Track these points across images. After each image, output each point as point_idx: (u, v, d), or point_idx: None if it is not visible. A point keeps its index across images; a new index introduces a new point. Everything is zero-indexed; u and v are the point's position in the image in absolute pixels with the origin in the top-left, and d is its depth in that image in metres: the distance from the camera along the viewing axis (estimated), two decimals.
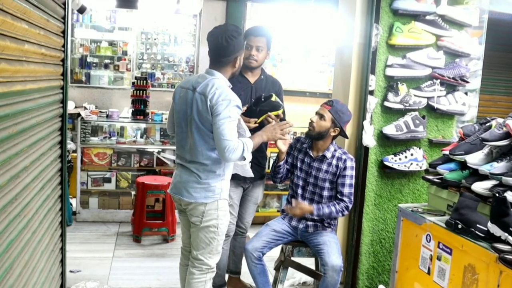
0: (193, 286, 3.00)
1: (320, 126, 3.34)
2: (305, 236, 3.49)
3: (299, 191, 3.50)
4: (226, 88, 2.84)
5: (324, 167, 3.41)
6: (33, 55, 2.49)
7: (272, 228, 3.51)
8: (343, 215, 3.40)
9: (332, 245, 3.33)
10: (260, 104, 3.36)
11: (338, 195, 3.40)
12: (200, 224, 2.92)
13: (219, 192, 2.91)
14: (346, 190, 3.38)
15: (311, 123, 3.37)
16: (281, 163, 3.48)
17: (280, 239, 3.51)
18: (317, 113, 3.38)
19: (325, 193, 3.43)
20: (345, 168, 3.37)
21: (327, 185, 3.41)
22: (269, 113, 3.33)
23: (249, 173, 3.24)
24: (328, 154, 3.40)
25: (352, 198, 3.41)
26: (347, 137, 3.55)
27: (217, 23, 6.59)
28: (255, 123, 3.33)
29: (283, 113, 3.47)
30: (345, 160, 3.39)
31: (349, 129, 3.65)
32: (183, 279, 3.23)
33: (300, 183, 3.50)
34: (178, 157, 3.03)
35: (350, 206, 3.40)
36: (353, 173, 3.42)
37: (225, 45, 2.85)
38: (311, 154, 3.45)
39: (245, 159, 2.83)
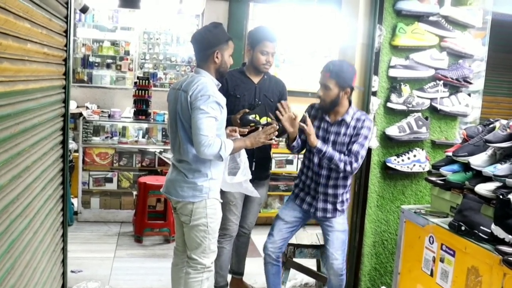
0: (189, 286, 3.01)
1: (328, 96, 3.18)
2: (317, 219, 3.40)
3: (315, 159, 3.30)
4: (209, 84, 2.85)
5: (343, 130, 3.23)
6: (35, 55, 2.48)
7: (284, 220, 3.41)
8: (345, 169, 3.15)
9: (336, 246, 3.30)
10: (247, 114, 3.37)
11: (347, 153, 3.19)
12: (189, 223, 2.93)
13: (207, 191, 2.91)
14: (354, 147, 3.16)
15: (319, 96, 3.23)
16: (294, 143, 3.34)
17: (295, 228, 3.44)
18: (320, 84, 3.23)
19: None
20: (361, 128, 3.19)
21: (346, 149, 3.21)
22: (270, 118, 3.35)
23: (254, 193, 3.25)
24: (348, 118, 3.22)
25: (359, 159, 3.17)
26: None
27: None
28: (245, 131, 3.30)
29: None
30: (363, 120, 3.20)
31: None
32: (174, 279, 3.26)
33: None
34: (172, 156, 3.08)
35: (355, 165, 3.16)
36: (368, 134, 3.21)
37: (199, 39, 2.92)
38: (328, 119, 3.29)
39: (222, 158, 2.81)
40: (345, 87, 3.17)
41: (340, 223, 3.33)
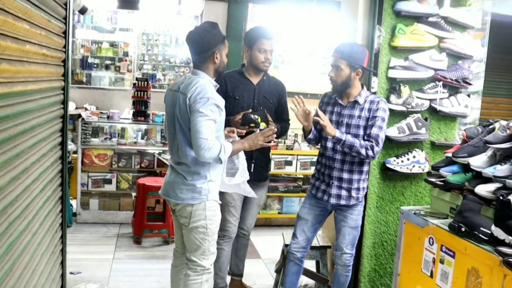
0: None
1: (340, 77, 3.19)
2: (332, 208, 3.37)
3: (329, 144, 3.28)
4: (207, 86, 2.83)
5: (357, 112, 3.21)
6: (34, 56, 2.48)
7: (305, 219, 3.40)
8: (367, 155, 3.12)
9: (347, 241, 3.32)
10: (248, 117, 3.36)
11: (365, 137, 3.17)
12: (188, 225, 2.92)
13: (205, 193, 2.90)
14: (373, 131, 3.14)
15: (331, 78, 3.23)
16: (310, 135, 3.34)
17: (317, 226, 3.43)
18: (332, 66, 3.23)
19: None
20: (377, 110, 3.17)
21: (361, 132, 3.19)
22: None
23: (251, 193, 3.23)
24: (361, 100, 3.21)
25: (380, 142, 3.15)
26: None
27: (219, 24, 6.60)
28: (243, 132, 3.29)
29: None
30: (378, 102, 3.19)
31: None
32: (173, 281, 3.26)
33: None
34: (170, 158, 3.07)
35: (377, 149, 3.14)
36: (385, 116, 3.19)
37: (198, 40, 2.88)
38: (341, 102, 3.27)
39: (221, 161, 2.81)
40: (356, 68, 3.17)
41: (354, 219, 3.31)
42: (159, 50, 9.62)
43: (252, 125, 3.31)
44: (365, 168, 3.31)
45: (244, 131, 3.24)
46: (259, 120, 3.38)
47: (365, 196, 3.69)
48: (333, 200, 3.28)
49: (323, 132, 3.27)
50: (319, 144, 3.44)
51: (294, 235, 3.43)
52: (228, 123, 3.27)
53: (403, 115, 3.69)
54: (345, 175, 3.25)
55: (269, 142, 3.08)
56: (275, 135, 3.09)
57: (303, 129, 3.35)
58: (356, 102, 3.22)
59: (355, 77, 3.19)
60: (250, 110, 3.41)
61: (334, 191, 3.27)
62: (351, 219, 3.31)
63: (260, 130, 3.22)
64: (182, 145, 2.87)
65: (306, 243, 3.40)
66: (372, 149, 3.12)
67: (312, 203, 3.40)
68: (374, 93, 3.61)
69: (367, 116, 3.19)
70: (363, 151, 3.12)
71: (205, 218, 2.91)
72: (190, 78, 2.91)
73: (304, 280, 4.21)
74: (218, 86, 3.02)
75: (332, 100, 3.34)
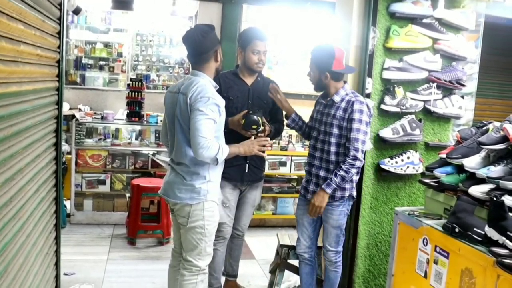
0: None
1: (313, 79, 3.33)
2: None
3: (312, 141, 3.41)
4: (207, 86, 2.87)
5: (332, 111, 3.25)
6: (28, 56, 2.47)
7: (302, 219, 3.45)
8: (357, 166, 3.15)
9: (330, 240, 3.36)
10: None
11: (346, 144, 3.17)
12: (186, 224, 2.94)
13: (204, 193, 2.92)
14: (352, 135, 3.14)
15: (309, 79, 3.37)
16: (289, 121, 3.52)
17: (315, 224, 3.46)
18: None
19: (333, 139, 3.22)
20: (352, 112, 3.15)
21: (334, 130, 3.21)
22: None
23: None
24: (337, 98, 3.24)
25: (359, 144, 3.12)
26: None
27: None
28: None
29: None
30: (352, 103, 3.17)
31: None
32: (171, 280, 3.26)
33: (314, 133, 3.39)
34: (170, 159, 3.09)
35: (358, 154, 3.13)
36: (362, 117, 3.15)
37: (202, 40, 2.90)
38: (323, 101, 3.37)
39: (217, 162, 2.83)
40: (324, 71, 3.24)
41: (335, 219, 3.32)
42: (153, 50, 9.60)
43: (254, 126, 3.29)
44: None
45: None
46: (260, 121, 3.38)
47: (359, 197, 3.71)
48: (309, 196, 3.34)
49: (310, 131, 3.44)
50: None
51: (298, 238, 3.51)
52: (226, 124, 3.27)
53: (397, 116, 3.71)
54: (322, 173, 3.31)
55: (263, 152, 3.16)
56: (270, 148, 3.13)
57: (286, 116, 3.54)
58: (332, 101, 3.28)
59: (325, 79, 3.26)
60: (247, 111, 3.39)
61: (311, 187, 3.35)
62: (332, 219, 3.33)
63: (259, 132, 3.27)
64: (182, 145, 2.89)
65: (309, 242, 3.46)
66: (355, 159, 3.14)
67: (302, 203, 3.46)
68: (368, 94, 3.63)
69: (342, 116, 3.21)
70: (353, 170, 3.17)
71: (203, 219, 2.92)
72: (190, 79, 2.94)
73: (298, 281, 4.22)
74: (218, 87, 3.03)
75: (320, 99, 3.44)
